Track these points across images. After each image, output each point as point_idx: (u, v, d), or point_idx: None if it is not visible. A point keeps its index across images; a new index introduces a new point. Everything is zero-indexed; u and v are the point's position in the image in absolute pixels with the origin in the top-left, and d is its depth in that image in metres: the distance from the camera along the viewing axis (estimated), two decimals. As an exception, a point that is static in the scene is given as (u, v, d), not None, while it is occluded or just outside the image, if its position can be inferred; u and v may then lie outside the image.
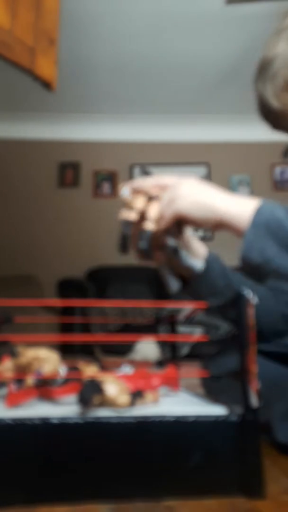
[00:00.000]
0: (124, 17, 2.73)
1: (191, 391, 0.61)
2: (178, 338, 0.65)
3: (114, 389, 0.45)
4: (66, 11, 2.28)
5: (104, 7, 2.64)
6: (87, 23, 2.78)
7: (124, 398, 0.44)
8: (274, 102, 0.68)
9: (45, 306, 2.77)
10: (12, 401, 0.46)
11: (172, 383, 0.58)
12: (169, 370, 0.60)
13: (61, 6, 1.68)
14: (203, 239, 3.92)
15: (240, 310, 0.46)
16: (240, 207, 0.58)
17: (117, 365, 0.63)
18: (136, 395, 0.46)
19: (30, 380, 0.46)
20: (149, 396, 0.48)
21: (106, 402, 0.44)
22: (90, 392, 0.42)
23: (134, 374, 0.54)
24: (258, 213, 0.56)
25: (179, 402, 0.53)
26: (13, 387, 0.46)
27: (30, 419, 0.40)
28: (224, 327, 0.60)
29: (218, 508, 0.41)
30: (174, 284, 0.71)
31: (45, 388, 0.48)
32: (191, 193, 0.60)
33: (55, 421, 0.41)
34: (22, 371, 0.48)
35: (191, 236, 0.72)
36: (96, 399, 0.43)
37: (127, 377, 0.51)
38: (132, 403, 0.45)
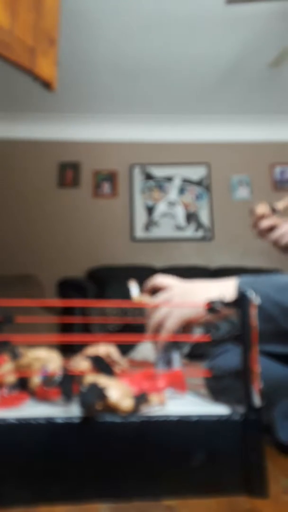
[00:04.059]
0: (124, 17, 2.73)
1: (197, 393, 0.60)
2: (178, 338, 0.65)
3: (117, 393, 0.43)
4: (66, 11, 2.28)
5: (104, 7, 2.64)
6: (87, 23, 2.78)
7: (127, 402, 0.43)
8: None
9: (45, 306, 2.77)
10: (4, 404, 0.45)
11: (179, 385, 0.57)
12: (175, 371, 0.59)
13: (61, 6, 1.68)
14: (204, 239, 3.91)
15: (243, 310, 0.47)
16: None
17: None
18: (140, 399, 0.44)
19: (36, 379, 0.46)
20: (154, 399, 0.47)
21: (109, 407, 0.43)
22: (92, 398, 0.41)
23: (138, 375, 0.53)
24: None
25: (185, 404, 0.53)
26: (5, 390, 0.46)
27: (35, 419, 0.40)
28: (224, 327, 0.60)
29: (217, 507, 0.41)
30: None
31: (41, 388, 0.48)
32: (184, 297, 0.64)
33: (59, 421, 0.41)
34: (23, 372, 0.48)
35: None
36: (98, 405, 0.42)
37: (131, 379, 0.50)
38: (136, 407, 0.44)
